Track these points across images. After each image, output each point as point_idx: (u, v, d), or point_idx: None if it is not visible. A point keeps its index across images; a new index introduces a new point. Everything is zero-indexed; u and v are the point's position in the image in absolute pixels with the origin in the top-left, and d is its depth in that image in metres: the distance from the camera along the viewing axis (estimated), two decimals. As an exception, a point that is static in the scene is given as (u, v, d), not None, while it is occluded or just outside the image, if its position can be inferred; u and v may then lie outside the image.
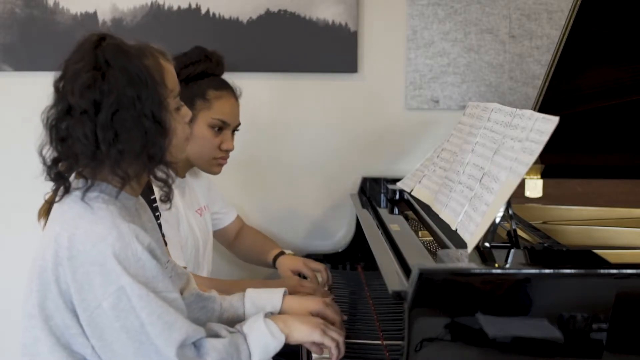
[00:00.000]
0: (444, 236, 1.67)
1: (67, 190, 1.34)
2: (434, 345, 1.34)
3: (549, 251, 1.55)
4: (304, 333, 1.47)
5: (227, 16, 2.47)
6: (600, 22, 1.94)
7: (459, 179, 1.65)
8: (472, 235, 1.44)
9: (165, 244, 1.77)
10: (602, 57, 2.02)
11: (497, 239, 1.52)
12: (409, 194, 1.98)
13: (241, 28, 2.47)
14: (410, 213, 2.11)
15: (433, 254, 1.70)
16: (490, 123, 1.66)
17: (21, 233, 2.12)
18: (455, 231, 1.54)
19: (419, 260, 1.54)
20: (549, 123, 1.40)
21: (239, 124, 2.07)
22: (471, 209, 1.51)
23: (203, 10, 2.47)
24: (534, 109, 1.91)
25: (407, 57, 2.54)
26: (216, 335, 1.40)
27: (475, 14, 2.52)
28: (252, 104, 2.51)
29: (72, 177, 1.36)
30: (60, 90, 1.32)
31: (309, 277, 2.12)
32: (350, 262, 2.44)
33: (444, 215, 1.64)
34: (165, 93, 1.34)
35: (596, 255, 1.45)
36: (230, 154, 2.05)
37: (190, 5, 2.46)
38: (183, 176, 2.04)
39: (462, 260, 1.45)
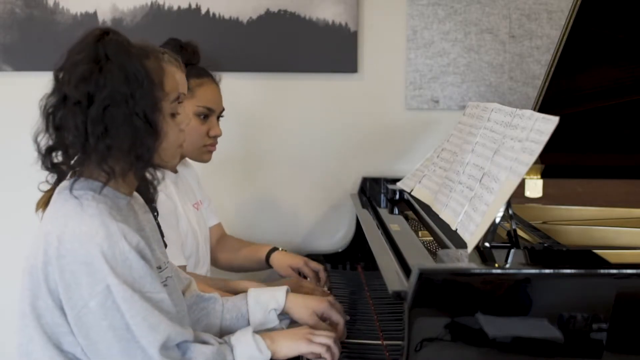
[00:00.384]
0: (444, 236, 1.67)
1: (60, 180, 1.34)
2: (434, 345, 1.34)
3: (549, 251, 1.55)
4: (290, 348, 1.47)
5: (227, 16, 2.47)
6: (600, 22, 1.94)
7: (459, 179, 1.65)
8: (472, 235, 1.44)
9: (165, 245, 1.77)
10: (602, 57, 2.02)
11: (497, 239, 1.51)
12: (409, 194, 1.98)
13: (241, 28, 2.47)
14: (410, 213, 2.11)
15: (433, 254, 1.70)
16: (490, 123, 1.66)
17: (21, 233, 2.13)
18: (455, 231, 1.54)
19: (419, 260, 1.54)
20: (549, 123, 1.40)
21: (223, 109, 2.07)
22: (471, 209, 1.51)
23: (203, 10, 2.47)
24: (534, 109, 1.91)
25: (407, 57, 2.54)
26: (204, 343, 1.40)
27: (475, 14, 2.52)
28: (252, 104, 2.51)
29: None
30: (59, 80, 1.32)
31: (309, 276, 2.12)
32: (350, 262, 2.44)
33: (444, 215, 1.64)
34: (161, 96, 1.34)
35: (596, 255, 1.45)
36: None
37: (190, 5, 2.46)
38: (176, 171, 2.03)
39: (462, 260, 1.45)
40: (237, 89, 2.43)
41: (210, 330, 1.57)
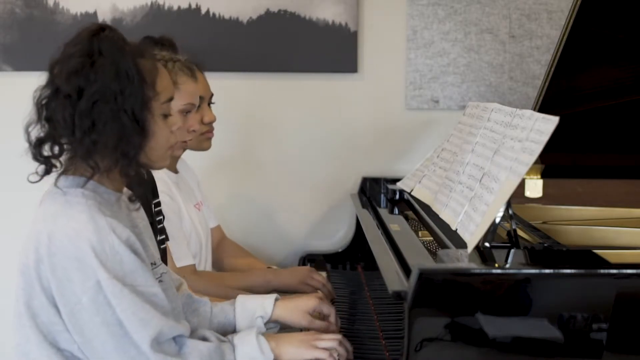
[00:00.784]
0: (444, 236, 1.67)
1: (47, 172, 1.34)
2: (434, 345, 1.34)
3: (549, 251, 1.55)
4: (294, 354, 1.45)
5: (227, 16, 2.47)
6: (600, 22, 1.94)
7: (459, 179, 1.65)
8: (472, 235, 1.44)
9: (161, 247, 1.77)
10: (602, 57, 2.02)
11: (497, 239, 1.51)
12: (409, 194, 1.98)
13: (241, 28, 2.47)
14: (410, 213, 2.11)
15: (433, 254, 1.69)
16: (490, 123, 1.66)
17: (21, 233, 2.12)
18: (455, 231, 1.54)
19: (419, 260, 1.53)
20: (549, 123, 1.40)
21: (212, 94, 2.05)
22: (471, 209, 1.51)
23: (203, 10, 2.47)
24: (534, 109, 1.91)
25: (407, 57, 2.54)
26: (204, 339, 1.40)
27: (475, 14, 2.52)
28: (252, 104, 2.51)
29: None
30: (53, 72, 1.33)
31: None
32: (350, 262, 2.44)
33: (444, 215, 1.64)
34: (152, 95, 1.33)
35: (596, 255, 1.44)
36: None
37: (190, 5, 2.46)
38: (176, 171, 2.03)
39: (462, 260, 1.45)
40: (237, 89, 2.44)
41: None
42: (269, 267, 2.21)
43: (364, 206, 2.29)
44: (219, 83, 2.12)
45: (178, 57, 1.58)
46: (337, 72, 2.52)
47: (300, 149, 2.58)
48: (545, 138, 1.39)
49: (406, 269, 1.47)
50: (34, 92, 1.34)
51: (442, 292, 1.33)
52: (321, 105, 2.56)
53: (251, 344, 1.42)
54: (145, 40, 1.98)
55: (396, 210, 2.16)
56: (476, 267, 1.40)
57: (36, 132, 1.34)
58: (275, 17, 2.47)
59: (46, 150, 1.34)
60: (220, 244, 2.29)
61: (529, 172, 1.83)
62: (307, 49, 2.49)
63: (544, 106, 1.96)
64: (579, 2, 1.85)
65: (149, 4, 2.46)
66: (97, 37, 1.31)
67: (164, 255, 1.79)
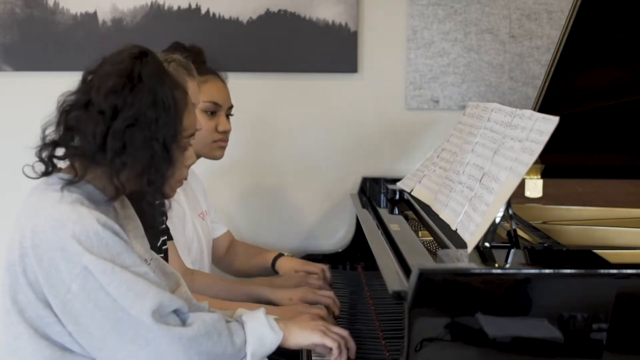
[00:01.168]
0: (444, 236, 1.67)
1: (46, 174, 1.35)
2: (434, 345, 1.34)
3: (549, 251, 1.55)
4: (303, 337, 1.45)
5: (227, 16, 2.47)
6: (600, 22, 1.94)
7: (459, 179, 1.65)
8: (472, 235, 1.44)
9: (163, 248, 1.77)
10: (602, 57, 2.02)
11: (497, 239, 1.51)
12: (409, 194, 1.98)
13: (241, 28, 2.47)
14: (410, 213, 2.11)
15: (433, 254, 1.70)
16: (490, 123, 1.66)
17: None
18: (455, 231, 1.54)
19: (419, 260, 1.53)
20: (549, 123, 1.40)
21: (232, 106, 2.07)
22: (471, 209, 1.51)
23: (203, 10, 2.47)
24: (534, 109, 1.91)
25: (407, 57, 2.54)
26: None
27: (475, 14, 2.52)
28: (252, 104, 2.51)
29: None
30: (87, 82, 1.33)
31: (316, 273, 2.11)
32: (350, 262, 2.44)
33: (444, 215, 1.64)
34: (181, 129, 1.35)
35: (596, 255, 1.44)
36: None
37: (190, 5, 2.46)
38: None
39: (462, 260, 1.45)
40: (236, 89, 2.43)
41: None
42: (280, 254, 2.20)
43: (364, 206, 2.29)
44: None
45: (173, 56, 1.59)
46: (337, 72, 2.52)
47: (300, 149, 2.58)
48: (545, 138, 1.39)
49: (406, 269, 1.47)
50: (60, 95, 1.34)
51: (442, 292, 1.33)
52: (321, 106, 2.56)
53: (260, 321, 1.41)
54: (174, 45, 2.00)
55: (396, 210, 2.16)
56: (476, 267, 1.40)
57: (52, 134, 1.35)
58: (275, 17, 2.47)
59: (53, 152, 1.35)
60: (230, 248, 2.29)
61: (529, 172, 1.83)
62: (307, 49, 2.49)
63: (544, 106, 1.96)
64: (579, 2, 1.85)
65: (149, 4, 2.46)
66: (139, 61, 1.32)
67: (165, 256, 1.79)
